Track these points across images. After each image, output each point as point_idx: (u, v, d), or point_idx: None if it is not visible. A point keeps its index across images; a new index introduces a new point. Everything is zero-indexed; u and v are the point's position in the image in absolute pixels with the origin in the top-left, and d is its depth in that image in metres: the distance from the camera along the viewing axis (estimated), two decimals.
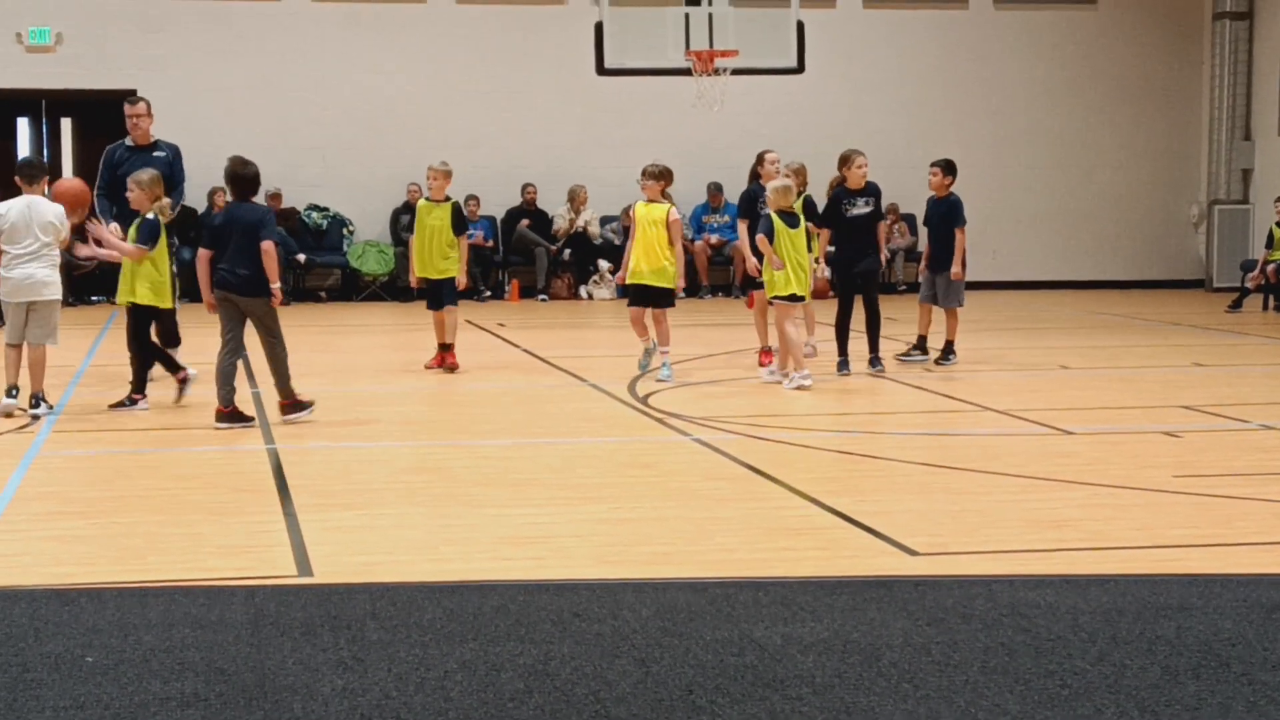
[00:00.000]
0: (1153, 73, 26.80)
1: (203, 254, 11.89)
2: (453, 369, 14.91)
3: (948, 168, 15.42)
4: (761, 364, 14.73)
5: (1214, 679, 5.59)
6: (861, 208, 14.67)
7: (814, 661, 5.78)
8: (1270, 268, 22.42)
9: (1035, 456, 10.52)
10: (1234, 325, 20.22)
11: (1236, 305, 22.40)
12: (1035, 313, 22.16)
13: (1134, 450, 10.75)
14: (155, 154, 14.29)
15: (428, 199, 15.22)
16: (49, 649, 5.94)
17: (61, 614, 6.42)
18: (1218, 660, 5.80)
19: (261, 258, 11.67)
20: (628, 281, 14.43)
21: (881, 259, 14.99)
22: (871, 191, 14.78)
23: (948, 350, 15.34)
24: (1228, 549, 7.83)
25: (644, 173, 14.13)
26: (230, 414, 11.73)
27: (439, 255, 14.96)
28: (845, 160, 14.88)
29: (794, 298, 13.67)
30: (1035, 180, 26.62)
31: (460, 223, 15.13)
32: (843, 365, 14.57)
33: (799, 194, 14.49)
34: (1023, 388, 14.03)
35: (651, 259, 14.08)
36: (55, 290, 12.24)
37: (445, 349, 15.04)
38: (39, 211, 12.18)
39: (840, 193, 14.79)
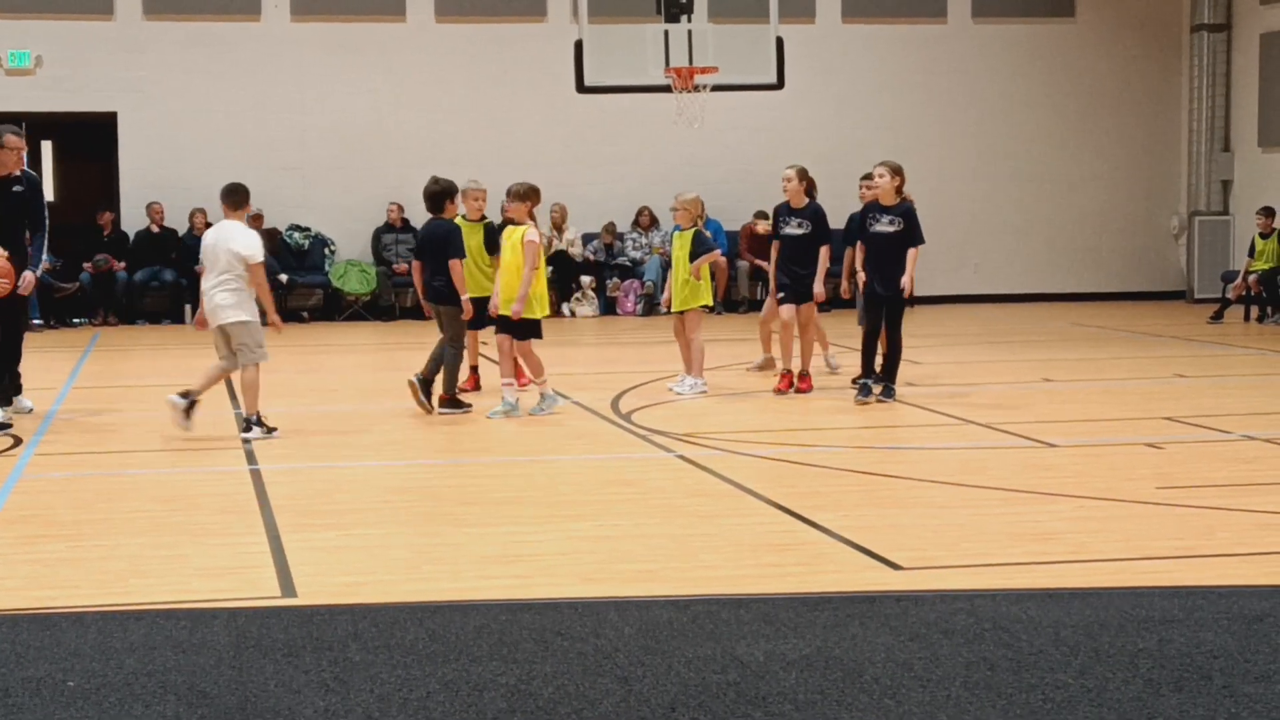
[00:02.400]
0: (1132, 84, 26.88)
1: (416, 265, 13.98)
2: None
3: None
4: (779, 389, 14.42)
5: (1196, 691, 5.60)
6: (885, 225, 13.75)
7: (796, 678, 5.78)
8: (1252, 278, 22.48)
9: (1018, 469, 10.53)
10: (1215, 336, 20.26)
11: (1218, 316, 22.46)
12: (1017, 325, 22.20)
13: (1117, 462, 10.77)
14: (14, 188, 13.37)
15: (465, 218, 14.43)
16: (30, 673, 5.92)
17: (43, 638, 6.40)
18: (1200, 673, 5.81)
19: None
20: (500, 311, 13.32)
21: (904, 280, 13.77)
22: (899, 210, 13.84)
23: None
24: (1210, 560, 7.84)
25: (507, 192, 13.35)
26: (450, 400, 13.36)
27: (479, 275, 14.27)
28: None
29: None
30: (1016, 193, 26.68)
31: (493, 243, 14.26)
32: (864, 390, 13.92)
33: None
34: (1005, 401, 14.04)
35: (508, 287, 13.13)
36: (239, 312, 12.28)
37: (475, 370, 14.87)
38: (225, 237, 12.31)
39: (868, 208, 14.06)
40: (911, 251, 13.74)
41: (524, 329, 13.14)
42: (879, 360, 13.96)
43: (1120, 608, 6.74)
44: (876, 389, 13.82)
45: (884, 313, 13.86)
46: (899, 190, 13.90)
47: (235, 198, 12.38)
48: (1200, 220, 26.28)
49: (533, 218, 13.33)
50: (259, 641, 6.32)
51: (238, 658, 6.10)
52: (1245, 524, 8.65)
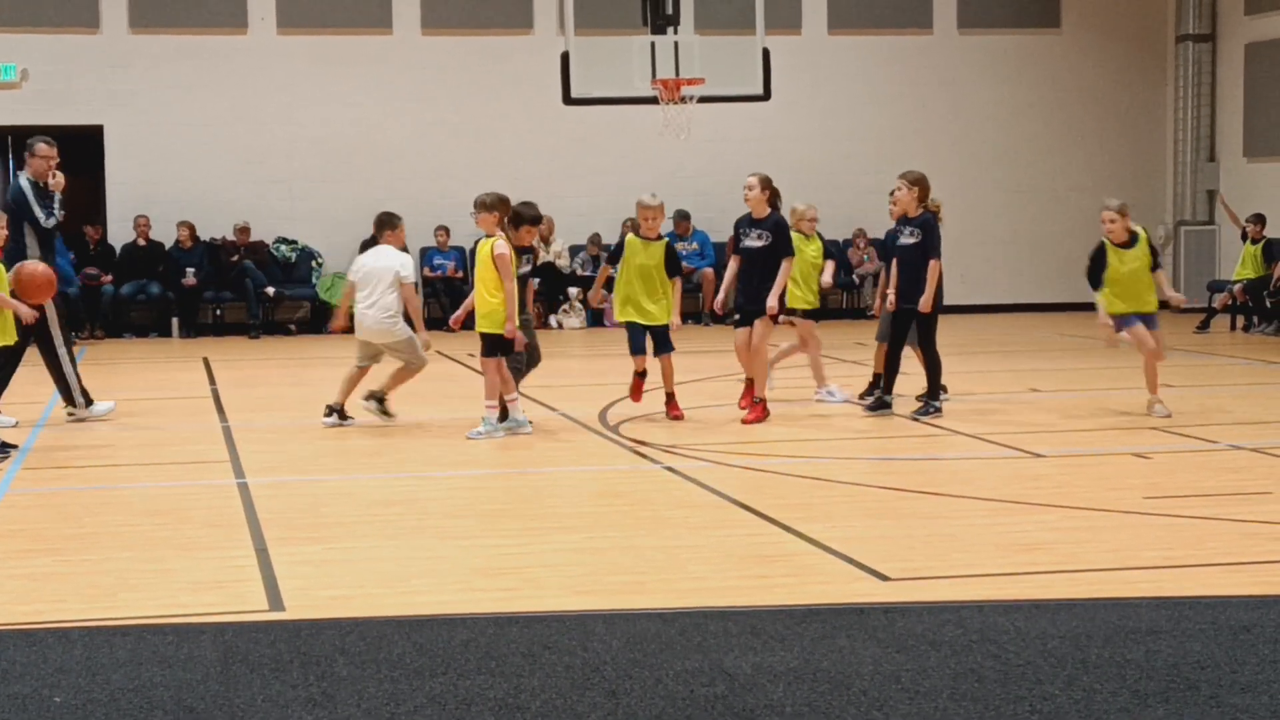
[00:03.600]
0: (1117, 95, 26.92)
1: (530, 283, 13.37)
2: (678, 418, 13.47)
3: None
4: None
5: (1183, 702, 5.61)
6: (908, 238, 13.49)
7: (784, 691, 5.78)
8: (1236, 287, 22.53)
9: (1006, 480, 10.54)
10: (1202, 346, 20.30)
11: (1204, 326, 22.50)
12: (1004, 335, 22.22)
13: (1104, 472, 10.79)
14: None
15: (639, 235, 13.46)
16: (16, 690, 5.91)
17: (29, 654, 6.39)
18: (1186, 683, 5.82)
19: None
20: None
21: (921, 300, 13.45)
22: (918, 221, 13.52)
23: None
24: (1198, 570, 7.86)
25: (474, 203, 12.81)
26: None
27: (648, 297, 13.34)
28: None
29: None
30: (1003, 203, 26.71)
31: (674, 263, 13.47)
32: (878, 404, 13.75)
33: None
34: (993, 411, 14.05)
35: (481, 301, 12.63)
36: (402, 328, 13.41)
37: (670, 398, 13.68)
38: (385, 258, 13.49)
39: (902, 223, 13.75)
40: (931, 264, 13.41)
41: (492, 344, 12.63)
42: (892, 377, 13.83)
43: (1108, 618, 6.75)
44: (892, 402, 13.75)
45: (916, 329, 13.64)
46: (921, 200, 13.64)
47: (392, 223, 13.61)
48: (1186, 230, 26.33)
49: (503, 229, 12.70)
50: (246, 656, 6.31)
51: (225, 673, 6.09)
52: (1233, 534, 8.66)
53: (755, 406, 13.29)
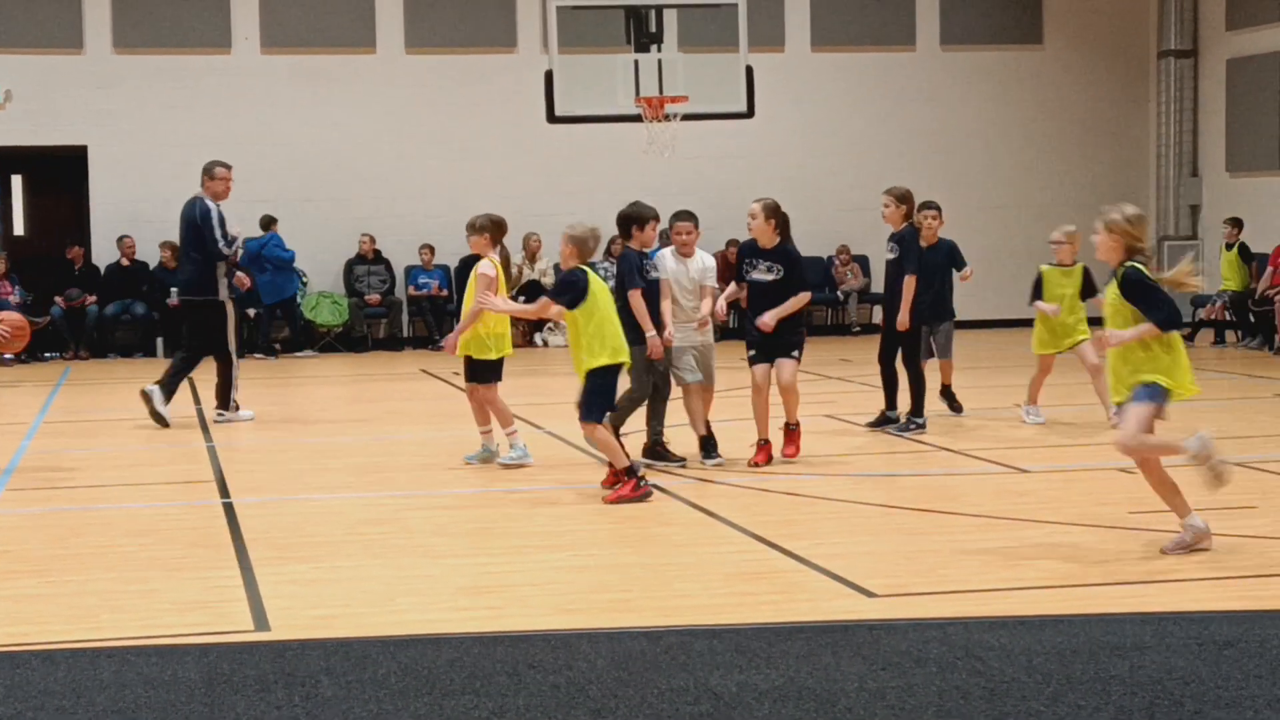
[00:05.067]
0: (1100, 111, 26.99)
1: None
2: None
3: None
4: (755, 462, 12.09)
5: (1167, 718, 5.61)
6: (889, 253, 13.71)
7: (769, 709, 5.78)
8: (1219, 302, 22.59)
9: (991, 495, 10.55)
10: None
11: (1188, 340, 22.53)
12: (988, 351, 22.24)
13: (1090, 487, 10.80)
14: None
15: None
16: (0, 712, 5.89)
17: (12, 676, 6.37)
18: (1171, 699, 5.82)
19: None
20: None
21: (903, 314, 13.52)
22: (896, 237, 13.64)
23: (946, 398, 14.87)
24: (1183, 584, 7.87)
25: (466, 226, 12.47)
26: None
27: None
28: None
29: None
30: (986, 219, 26.73)
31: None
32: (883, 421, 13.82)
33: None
34: (978, 427, 14.07)
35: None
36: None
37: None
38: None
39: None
40: (906, 280, 13.41)
41: (480, 371, 12.16)
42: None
43: (1092, 634, 6.76)
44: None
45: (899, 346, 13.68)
46: (906, 217, 13.70)
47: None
48: (1170, 245, 26.38)
49: (495, 250, 12.24)
50: (230, 677, 6.30)
51: (209, 694, 6.08)
52: (1217, 548, 8.67)
53: (791, 433, 12.19)
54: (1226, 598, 7.57)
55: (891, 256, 13.68)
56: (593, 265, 11.07)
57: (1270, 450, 12.28)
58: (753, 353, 12.13)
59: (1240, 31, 25.48)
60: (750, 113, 19.16)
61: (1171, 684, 6.00)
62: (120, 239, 23.73)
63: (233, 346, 15.08)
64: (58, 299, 23.18)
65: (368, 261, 24.48)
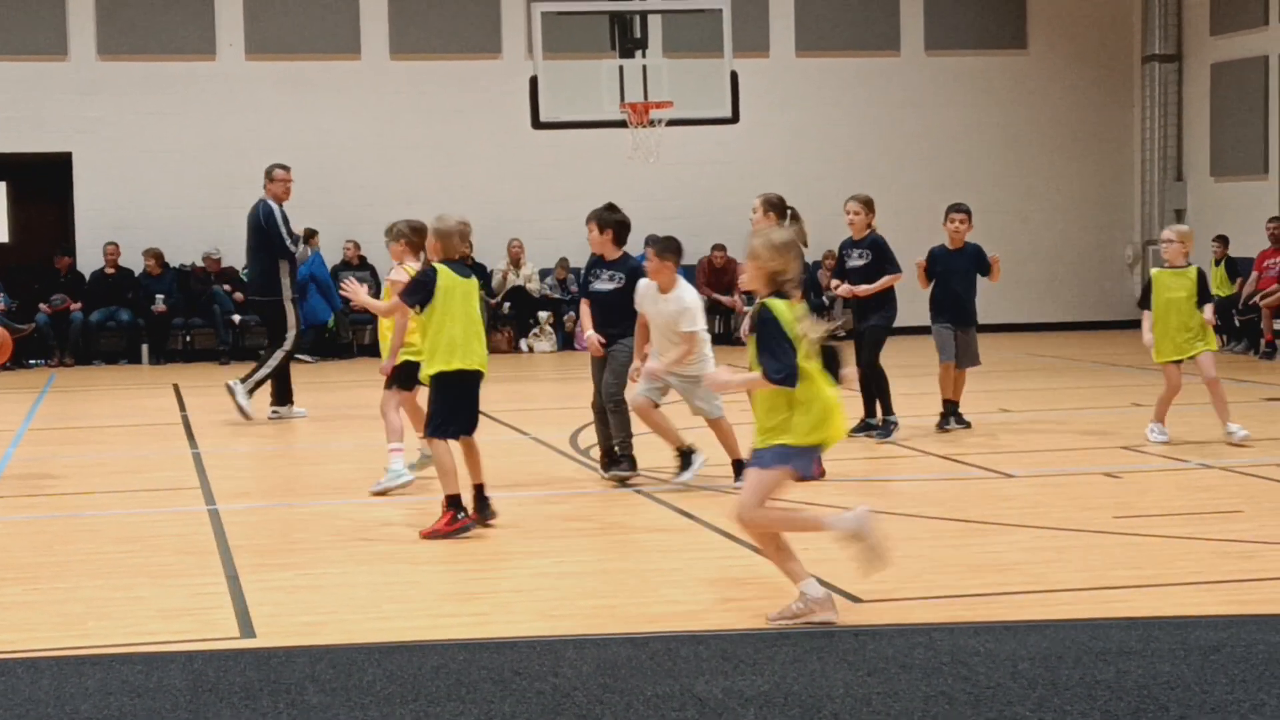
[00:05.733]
0: (1085, 115, 27.03)
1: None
2: None
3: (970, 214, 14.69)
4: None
5: None
6: (857, 260, 13.70)
7: (755, 715, 5.78)
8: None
9: (977, 500, 10.56)
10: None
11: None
12: None
13: (1075, 492, 10.81)
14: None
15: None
16: None
17: None
18: (1156, 704, 5.83)
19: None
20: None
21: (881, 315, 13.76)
22: (865, 243, 13.67)
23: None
24: (1168, 589, 7.88)
25: (385, 232, 11.84)
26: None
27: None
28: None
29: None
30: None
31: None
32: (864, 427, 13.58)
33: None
34: (963, 431, 14.07)
35: (384, 339, 11.50)
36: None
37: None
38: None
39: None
40: (888, 277, 13.57)
41: (402, 374, 11.28)
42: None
43: (1078, 639, 6.76)
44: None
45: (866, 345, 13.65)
46: (870, 224, 13.73)
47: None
48: (1154, 250, 26.40)
49: (416, 258, 11.33)
50: (215, 685, 6.29)
51: (194, 701, 6.07)
52: (1203, 552, 8.69)
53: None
54: (1212, 602, 7.58)
55: (860, 263, 13.63)
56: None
57: (1256, 455, 12.31)
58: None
59: (1224, 36, 25.53)
60: (735, 118, 19.17)
61: (1157, 689, 6.01)
62: (105, 246, 23.67)
63: (289, 345, 15.77)
64: (43, 306, 23.13)
65: (353, 267, 24.44)
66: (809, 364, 7.19)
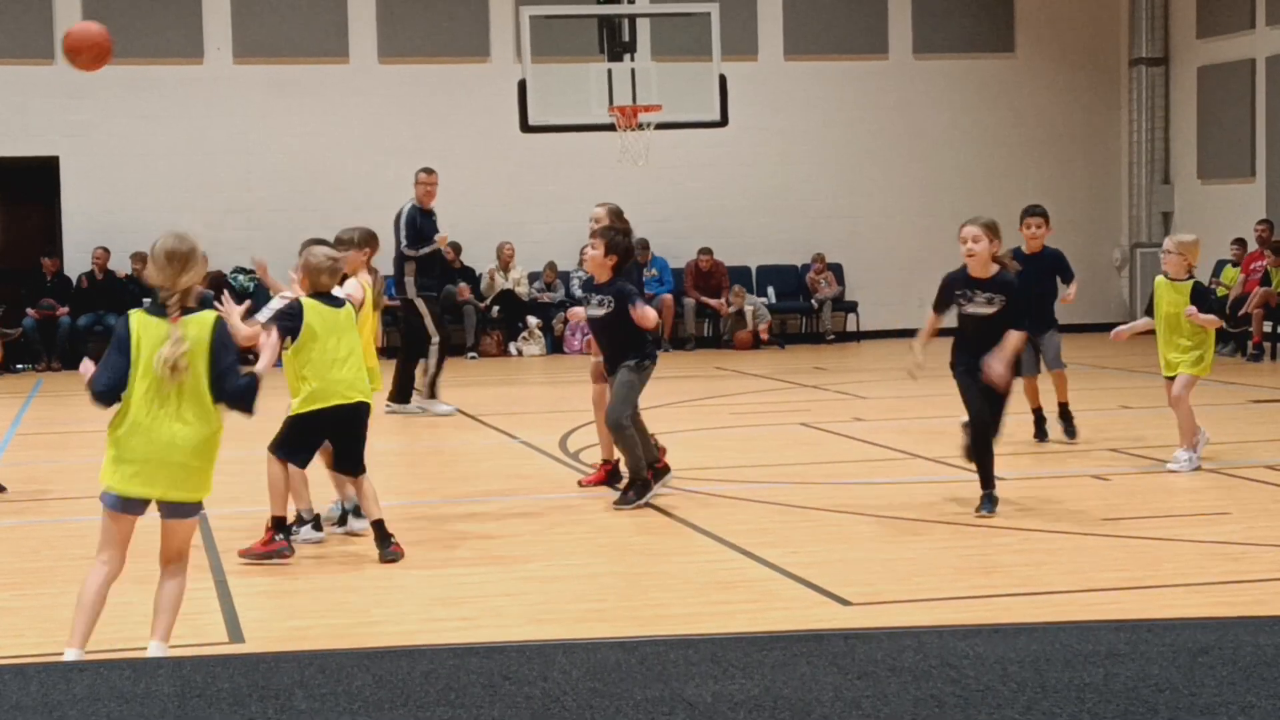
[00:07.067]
0: (1072, 118, 27.07)
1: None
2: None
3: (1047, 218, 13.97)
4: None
5: None
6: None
7: (745, 718, 5.77)
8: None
9: (966, 503, 10.56)
10: (1159, 367, 20.34)
11: None
12: None
13: (1063, 494, 10.82)
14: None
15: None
16: None
17: None
18: (1145, 706, 5.83)
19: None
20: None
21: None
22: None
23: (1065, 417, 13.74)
24: (1157, 591, 7.89)
25: (336, 240, 10.66)
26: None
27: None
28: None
29: None
30: (959, 227, 26.77)
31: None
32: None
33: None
34: (951, 434, 14.06)
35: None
36: None
37: None
38: None
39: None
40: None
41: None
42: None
43: (1067, 642, 6.76)
44: None
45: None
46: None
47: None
48: (1142, 252, 26.47)
49: (373, 270, 10.96)
50: (204, 690, 6.27)
51: (182, 708, 6.05)
52: (1191, 554, 8.70)
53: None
54: (1201, 604, 7.59)
55: (992, 310, 11.12)
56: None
57: (1243, 456, 12.33)
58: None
59: (1211, 39, 25.58)
60: (724, 121, 19.19)
61: (1146, 691, 6.01)
62: (94, 251, 23.64)
63: (434, 339, 16.50)
64: (30, 310, 23.08)
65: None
66: None
